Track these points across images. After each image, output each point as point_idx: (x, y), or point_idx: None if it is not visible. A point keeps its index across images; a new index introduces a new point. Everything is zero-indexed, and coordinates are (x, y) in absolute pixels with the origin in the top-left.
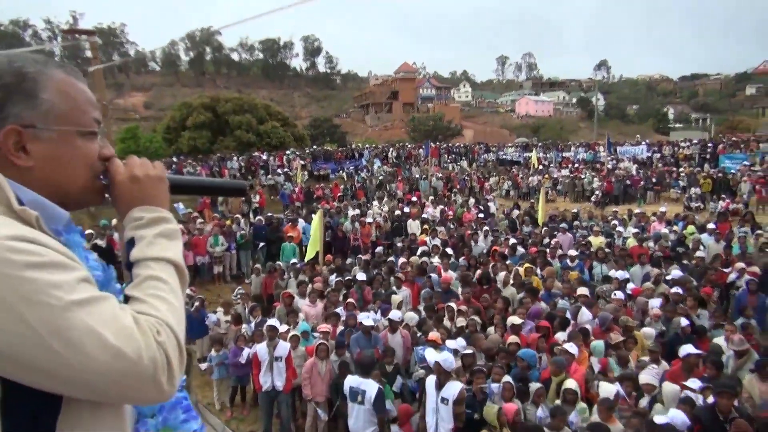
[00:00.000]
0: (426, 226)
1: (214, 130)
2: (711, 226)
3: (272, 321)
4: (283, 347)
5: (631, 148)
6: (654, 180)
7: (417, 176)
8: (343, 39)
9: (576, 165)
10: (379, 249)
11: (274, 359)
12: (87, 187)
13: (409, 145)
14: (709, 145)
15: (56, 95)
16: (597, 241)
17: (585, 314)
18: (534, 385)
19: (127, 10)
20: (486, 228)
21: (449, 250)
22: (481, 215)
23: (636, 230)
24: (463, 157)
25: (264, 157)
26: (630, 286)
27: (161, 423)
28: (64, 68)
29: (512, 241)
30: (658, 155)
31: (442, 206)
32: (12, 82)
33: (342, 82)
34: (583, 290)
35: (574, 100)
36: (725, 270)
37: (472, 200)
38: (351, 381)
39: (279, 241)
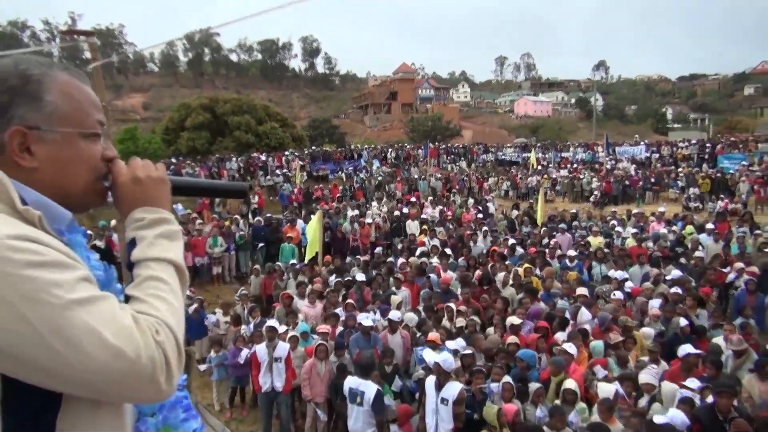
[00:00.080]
0: (425, 227)
1: (212, 130)
2: (710, 226)
3: (271, 322)
4: (283, 348)
5: (630, 149)
6: (653, 180)
7: (416, 177)
8: (342, 39)
9: (575, 165)
10: (378, 249)
11: (274, 360)
12: (89, 189)
13: (407, 146)
14: (708, 145)
15: (60, 97)
16: (596, 241)
17: (584, 314)
18: (533, 386)
19: (126, 10)
20: (485, 228)
21: (448, 251)
22: (480, 216)
23: (635, 230)
24: (462, 158)
25: (263, 157)
26: (628, 284)
27: (161, 422)
28: (68, 71)
29: (511, 241)
30: (657, 155)
31: (441, 207)
32: (17, 84)
33: (341, 82)
34: (582, 290)
35: (573, 101)
36: (724, 270)
37: (471, 201)
38: (350, 382)
39: (278, 242)
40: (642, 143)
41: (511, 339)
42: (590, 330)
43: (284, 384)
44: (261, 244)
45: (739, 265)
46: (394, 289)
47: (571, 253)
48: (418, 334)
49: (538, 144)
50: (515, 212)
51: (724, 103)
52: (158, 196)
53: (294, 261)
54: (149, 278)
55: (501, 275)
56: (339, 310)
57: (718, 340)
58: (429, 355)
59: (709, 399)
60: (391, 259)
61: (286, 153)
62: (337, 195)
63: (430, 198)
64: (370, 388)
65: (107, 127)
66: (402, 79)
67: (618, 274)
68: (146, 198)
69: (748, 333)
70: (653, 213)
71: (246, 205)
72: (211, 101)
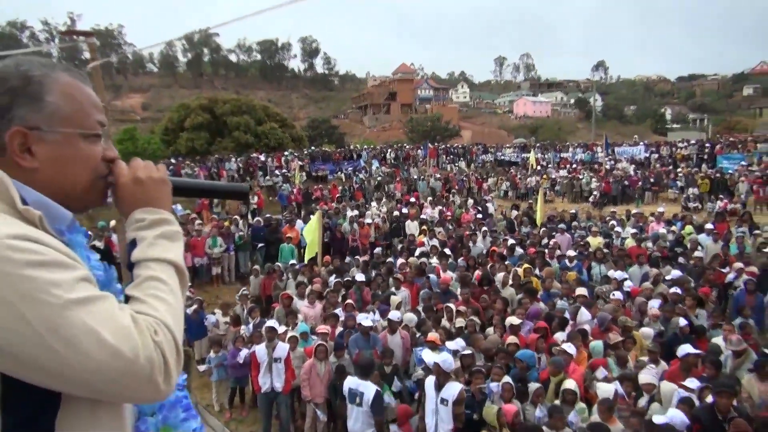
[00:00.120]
0: (424, 227)
1: (212, 131)
2: (709, 226)
3: (271, 322)
4: (282, 348)
5: (629, 149)
6: (652, 180)
7: (415, 177)
8: (341, 40)
9: (574, 165)
10: (377, 250)
11: (273, 360)
12: (90, 189)
13: (407, 146)
14: (707, 145)
15: (61, 98)
16: (595, 241)
17: (584, 314)
18: (533, 386)
19: (125, 10)
20: (484, 229)
21: (448, 251)
22: (480, 216)
23: (634, 230)
24: (462, 158)
25: (262, 158)
26: (628, 284)
27: (161, 421)
28: (69, 72)
29: (511, 241)
30: (656, 156)
31: (440, 207)
32: (18, 85)
33: (340, 83)
34: (581, 290)
35: (572, 101)
36: (723, 270)
37: (470, 201)
38: (350, 382)
39: (277, 242)
40: (641, 143)
41: (511, 339)
42: (590, 330)
43: (284, 384)
44: (260, 245)
45: (739, 265)
46: (393, 289)
47: (571, 253)
48: (418, 335)
49: (538, 144)
50: (514, 212)
51: (723, 104)
52: (159, 197)
53: (293, 261)
54: (149, 278)
55: (500, 275)
56: (338, 311)
57: (718, 340)
58: (428, 356)
59: (709, 399)
60: (390, 259)
61: (286, 153)
62: (337, 195)
63: (430, 198)
64: (369, 389)
65: (107, 128)
66: (401, 79)
67: (617, 274)
68: (147, 199)
69: (748, 333)
70: (652, 213)
71: (245, 206)
72: (211, 101)
